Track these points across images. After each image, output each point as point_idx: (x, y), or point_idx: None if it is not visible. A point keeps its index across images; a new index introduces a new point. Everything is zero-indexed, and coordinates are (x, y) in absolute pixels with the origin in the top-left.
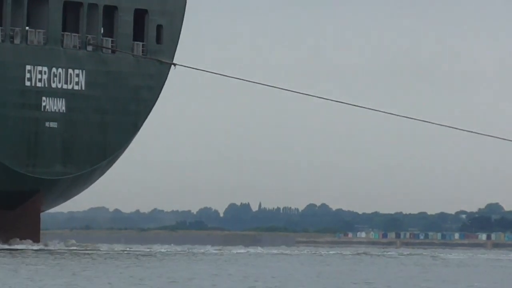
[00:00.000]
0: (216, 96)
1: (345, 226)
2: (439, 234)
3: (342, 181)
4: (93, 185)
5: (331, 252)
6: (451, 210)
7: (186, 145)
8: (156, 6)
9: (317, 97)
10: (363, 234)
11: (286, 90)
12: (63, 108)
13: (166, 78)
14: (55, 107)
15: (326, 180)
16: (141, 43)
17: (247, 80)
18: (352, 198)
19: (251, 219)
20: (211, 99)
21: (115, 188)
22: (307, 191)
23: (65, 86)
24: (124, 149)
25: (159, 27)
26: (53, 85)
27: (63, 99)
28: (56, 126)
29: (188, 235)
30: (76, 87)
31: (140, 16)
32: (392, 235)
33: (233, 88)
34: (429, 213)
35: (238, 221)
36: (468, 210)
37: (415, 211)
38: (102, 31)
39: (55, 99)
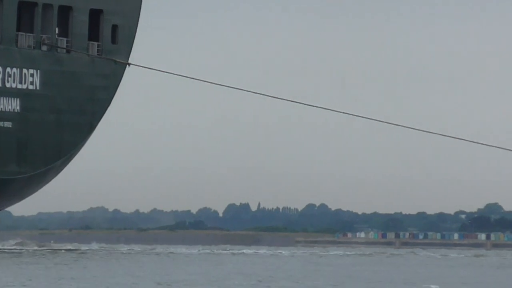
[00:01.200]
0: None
1: (344, 226)
2: (438, 234)
3: (341, 181)
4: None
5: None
6: (451, 210)
7: (187, 144)
8: (111, 6)
9: (291, 101)
10: (363, 234)
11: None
12: (18, 107)
13: (121, 78)
14: (10, 107)
15: (326, 180)
16: (96, 43)
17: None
18: (351, 198)
19: (250, 219)
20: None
21: (115, 188)
22: (306, 191)
23: (19, 86)
24: (79, 148)
25: (114, 27)
26: (8, 85)
27: (18, 99)
28: (10, 126)
29: (187, 235)
30: (30, 87)
31: (95, 16)
32: (391, 235)
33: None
34: (428, 213)
35: (237, 221)
36: (468, 210)
37: (414, 211)
38: (57, 31)
39: (10, 98)
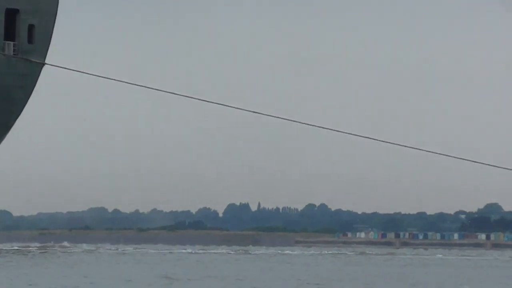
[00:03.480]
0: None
1: (344, 226)
2: (438, 234)
3: (341, 181)
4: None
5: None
6: (450, 210)
7: (188, 144)
8: (28, 5)
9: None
10: (363, 234)
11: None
12: None
13: (37, 78)
14: None
15: (326, 180)
16: (12, 43)
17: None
18: (351, 198)
19: (250, 219)
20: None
21: (115, 188)
22: (306, 191)
23: None
24: None
25: (31, 27)
26: None
27: None
28: None
29: (187, 235)
30: None
31: (11, 15)
32: (391, 235)
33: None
34: (428, 213)
35: (237, 221)
36: (467, 210)
37: (414, 211)
38: None
39: None
